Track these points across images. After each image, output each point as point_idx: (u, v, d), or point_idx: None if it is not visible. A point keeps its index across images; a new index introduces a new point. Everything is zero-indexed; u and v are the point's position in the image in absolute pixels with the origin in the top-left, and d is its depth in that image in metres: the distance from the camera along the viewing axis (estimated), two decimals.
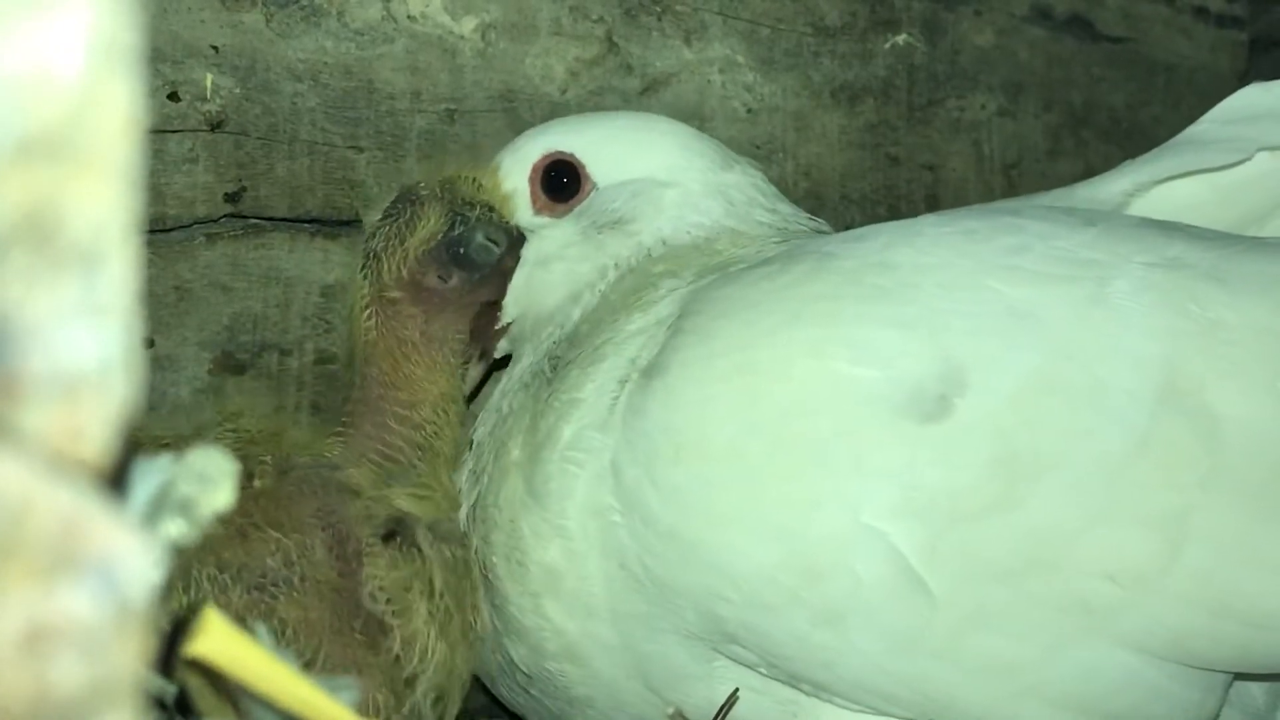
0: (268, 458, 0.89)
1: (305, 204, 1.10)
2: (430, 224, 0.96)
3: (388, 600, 0.86)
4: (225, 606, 0.80)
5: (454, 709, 0.90)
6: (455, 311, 0.98)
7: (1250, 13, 1.49)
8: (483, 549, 0.91)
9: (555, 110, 1.18)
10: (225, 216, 1.08)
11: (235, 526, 0.84)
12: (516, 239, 0.99)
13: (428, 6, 1.14)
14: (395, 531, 0.89)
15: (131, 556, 0.28)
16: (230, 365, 1.07)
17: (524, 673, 0.92)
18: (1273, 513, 0.75)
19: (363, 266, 0.97)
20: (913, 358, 0.77)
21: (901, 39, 1.32)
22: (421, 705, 0.87)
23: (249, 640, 0.49)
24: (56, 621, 0.27)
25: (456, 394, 0.98)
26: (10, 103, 0.27)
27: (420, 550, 0.89)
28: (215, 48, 1.06)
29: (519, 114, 1.17)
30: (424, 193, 0.98)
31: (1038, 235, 0.83)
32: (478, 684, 1.03)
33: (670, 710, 0.84)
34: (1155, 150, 0.97)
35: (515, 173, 1.00)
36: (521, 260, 0.99)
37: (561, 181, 0.99)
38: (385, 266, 0.96)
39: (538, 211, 1.00)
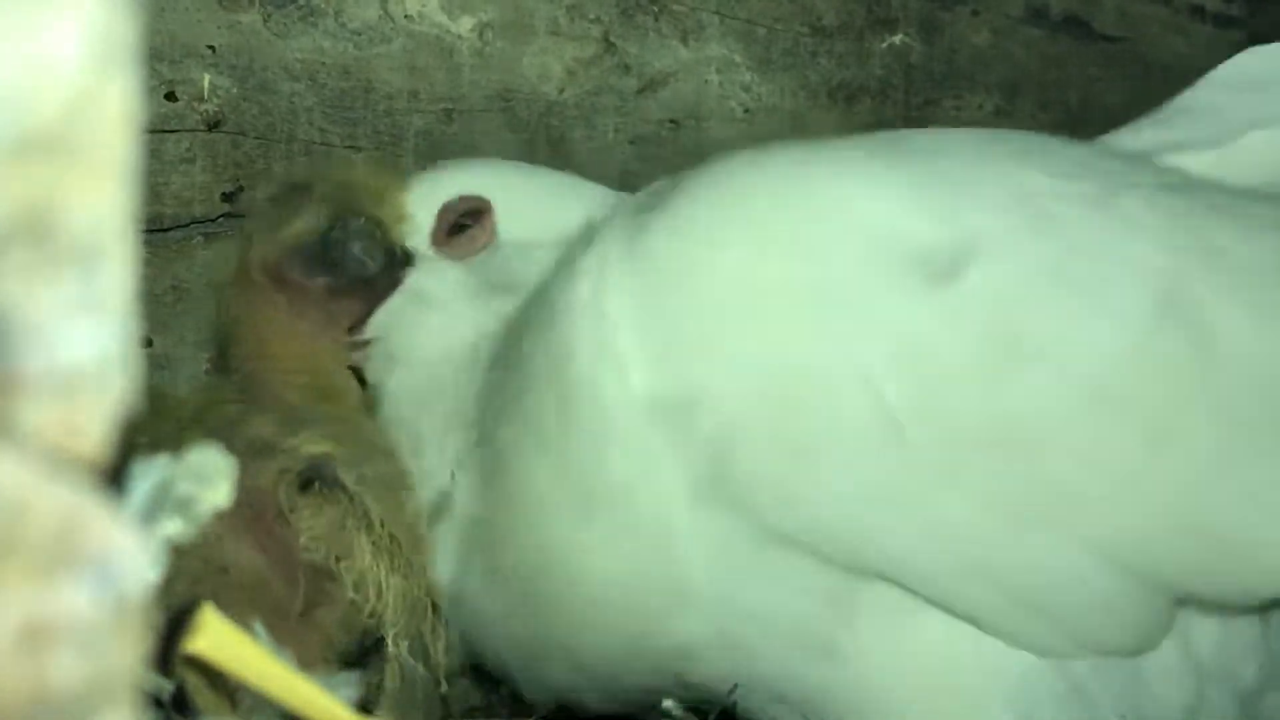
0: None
1: None
2: (309, 221, 0.92)
3: (326, 547, 0.82)
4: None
5: (440, 644, 0.85)
6: (324, 311, 0.93)
7: (1247, 12, 1.49)
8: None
9: (552, 109, 1.18)
10: (223, 216, 1.08)
11: None
12: (398, 261, 0.94)
13: (425, 6, 1.14)
14: (311, 477, 0.84)
15: (129, 553, 0.28)
16: None
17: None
18: (1258, 440, 0.76)
19: (242, 239, 0.94)
20: (927, 216, 0.78)
21: (898, 39, 1.32)
22: (400, 655, 0.83)
23: (246, 637, 0.50)
24: (54, 618, 0.27)
25: (340, 364, 0.93)
26: (7, 100, 0.27)
27: (345, 488, 0.84)
28: (212, 48, 1.07)
29: (516, 113, 1.17)
30: (316, 186, 0.94)
31: (1049, 148, 0.85)
32: (476, 683, 1.03)
33: (668, 703, 0.84)
34: (1141, 120, 0.96)
35: (426, 203, 0.95)
36: (403, 285, 0.94)
37: (467, 226, 0.95)
38: (254, 248, 0.92)
39: (435, 246, 0.95)
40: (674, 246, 0.80)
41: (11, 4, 0.28)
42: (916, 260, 0.77)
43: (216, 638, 0.49)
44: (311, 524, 0.83)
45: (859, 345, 0.76)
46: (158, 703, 0.58)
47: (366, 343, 0.94)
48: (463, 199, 0.95)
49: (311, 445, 0.85)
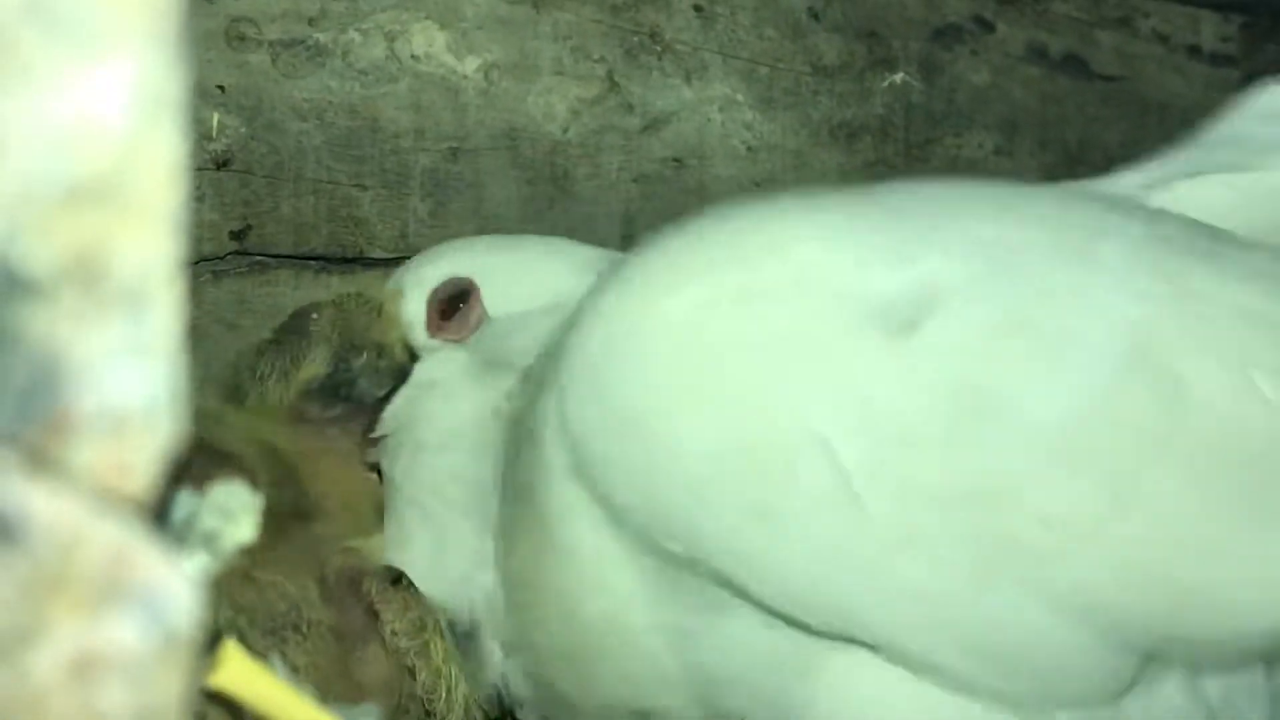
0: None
1: (310, 241, 1.11)
2: (314, 367, 0.95)
3: (408, 642, 0.86)
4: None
5: None
6: (347, 431, 0.97)
7: (1243, 51, 1.51)
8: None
9: (557, 148, 1.19)
10: (231, 254, 1.09)
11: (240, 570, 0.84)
12: (408, 370, 0.98)
13: (431, 46, 1.15)
14: (400, 576, 0.89)
15: (176, 588, 0.29)
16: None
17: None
18: (1222, 495, 0.74)
19: (252, 380, 0.97)
20: (889, 267, 0.76)
21: (899, 78, 1.34)
22: None
23: (268, 672, 0.50)
24: (104, 651, 0.28)
25: (368, 492, 0.97)
26: (61, 150, 0.28)
27: (419, 593, 0.89)
28: (221, 87, 1.08)
29: (521, 152, 1.18)
30: (314, 329, 0.97)
31: (1030, 197, 0.84)
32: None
33: None
34: (1177, 145, 0.96)
35: (414, 297, 0.98)
36: (411, 378, 0.97)
37: (457, 308, 0.97)
38: (270, 395, 0.96)
39: (432, 334, 0.97)
40: (623, 303, 0.78)
41: (63, 56, 0.29)
42: (874, 313, 0.75)
43: (238, 672, 0.49)
44: (395, 619, 0.87)
45: (814, 407, 0.74)
46: None
47: (378, 439, 0.97)
48: (446, 283, 0.97)
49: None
